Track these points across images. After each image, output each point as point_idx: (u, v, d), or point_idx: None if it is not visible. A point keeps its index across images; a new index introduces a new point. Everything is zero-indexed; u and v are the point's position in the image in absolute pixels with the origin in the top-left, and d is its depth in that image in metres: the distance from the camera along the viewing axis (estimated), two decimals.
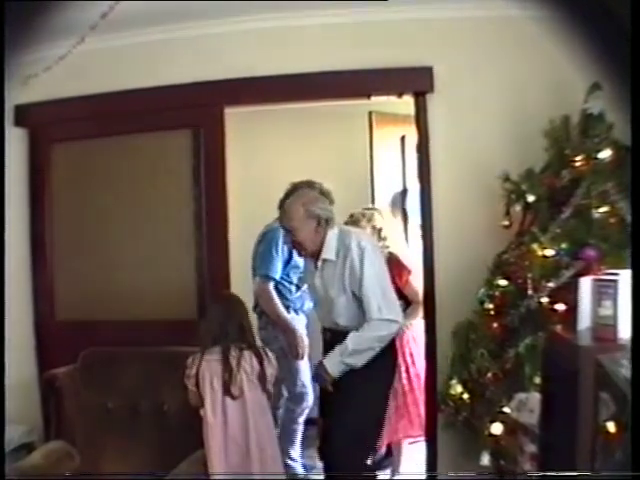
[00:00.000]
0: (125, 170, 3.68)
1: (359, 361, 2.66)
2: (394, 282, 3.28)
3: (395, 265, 3.57)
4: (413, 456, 3.85)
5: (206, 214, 3.54)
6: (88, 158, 3.72)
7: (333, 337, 2.82)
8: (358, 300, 2.71)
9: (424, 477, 3.44)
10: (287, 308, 3.68)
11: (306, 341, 3.68)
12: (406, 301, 3.57)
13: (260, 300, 3.67)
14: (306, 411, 3.83)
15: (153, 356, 3.19)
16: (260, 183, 5.03)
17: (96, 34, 2.95)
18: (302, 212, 2.70)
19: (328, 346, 2.85)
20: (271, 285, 3.62)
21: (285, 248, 3.58)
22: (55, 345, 3.63)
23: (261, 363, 2.78)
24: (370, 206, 4.05)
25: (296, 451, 3.87)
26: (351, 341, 2.66)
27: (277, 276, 3.64)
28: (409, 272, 3.65)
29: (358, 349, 2.65)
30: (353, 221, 3.59)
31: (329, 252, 2.72)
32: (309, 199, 2.72)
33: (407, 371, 3.65)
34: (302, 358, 3.69)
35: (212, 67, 3.45)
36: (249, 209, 4.83)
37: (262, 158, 5.02)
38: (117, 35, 3.34)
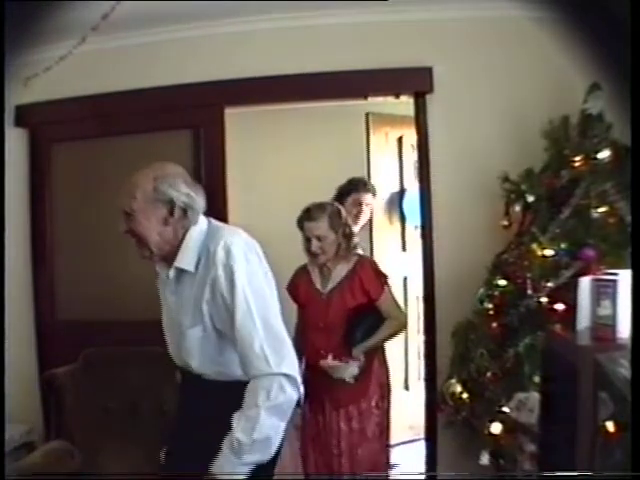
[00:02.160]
0: (125, 170, 3.66)
1: (265, 454, 1.71)
2: (365, 294, 2.94)
3: (366, 272, 2.99)
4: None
5: (206, 214, 3.54)
6: (88, 158, 3.73)
7: (185, 382, 1.99)
8: (224, 339, 1.81)
9: (424, 477, 3.45)
10: None
11: None
12: (379, 316, 2.98)
13: None
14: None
15: (153, 356, 3.19)
16: (260, 183, 5.03)
17: (97, 35, 2.96)
18: (149, 190, 1.87)
19: (182, 392, 2.04)
20: None
21: None
22: (55, 345, 3.63)
23: None
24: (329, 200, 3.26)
25: None
26: (240, 430, 1.67)
27: None
28: (385, 280, 3.01)
29: (258, 438, 1.67)
30: (308, 217, 2.99)
31: (185, 259, 1.83)
32: (166, 173, 1.89)
33: (378, 406, 3.00)
34: None
35: (212, 67, 3.46)
36: (249, 209, 4.83)
37: (262, 158, 5.02)
38: (118, 36, 3.35)
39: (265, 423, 1.67)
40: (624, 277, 2.02)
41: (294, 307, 3.11)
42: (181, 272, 1.86)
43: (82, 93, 3.53)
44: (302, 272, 3.14)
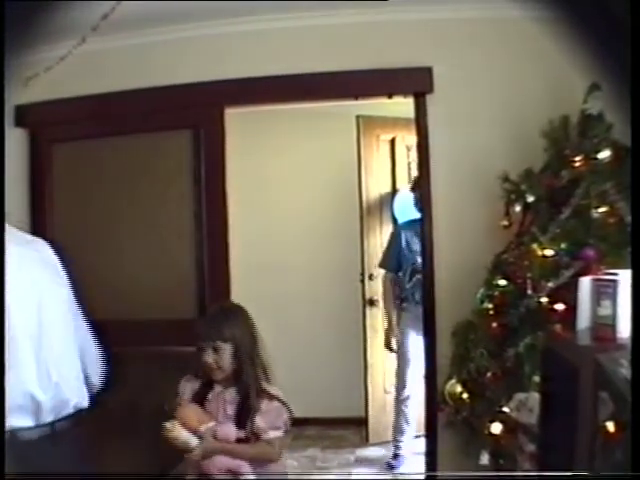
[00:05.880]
0: (125, 170, 3.68)
1: None
2: None
3: None
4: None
5: (206, 214, 3.55)
6: (89, 158, 3.73)
7: None
8: None
9: (423, 477, 3.45)
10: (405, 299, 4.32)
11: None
12: None
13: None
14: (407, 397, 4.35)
15: (153, 356, 3.19)
16: (260, 183, 5.03)
17: (97, 35, 2.96)
18: None
19: None
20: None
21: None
22: None
23: None
24: None
25: (402, 434, 4.42)
26: None
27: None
28: None
29: None
30: None
31: None
32: None
33: None
34: (389, 348, 4.43)
35: (212, 67, 3.46)
36: (249, 209, 4.83)
37: (262, 158, 5.04)
38: (118, 36, 3.34)
39: None
40: (624, 277, 2.02)
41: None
42: None
43: (83, 93, 3.53)
44: None
